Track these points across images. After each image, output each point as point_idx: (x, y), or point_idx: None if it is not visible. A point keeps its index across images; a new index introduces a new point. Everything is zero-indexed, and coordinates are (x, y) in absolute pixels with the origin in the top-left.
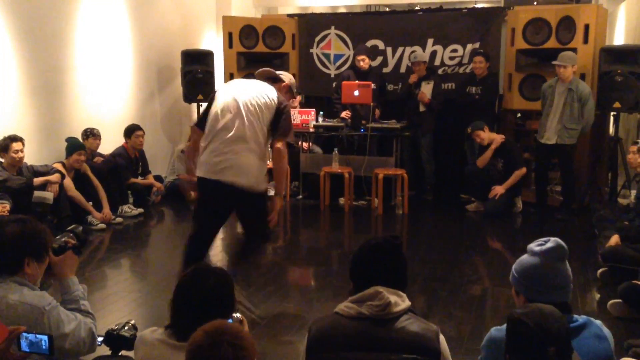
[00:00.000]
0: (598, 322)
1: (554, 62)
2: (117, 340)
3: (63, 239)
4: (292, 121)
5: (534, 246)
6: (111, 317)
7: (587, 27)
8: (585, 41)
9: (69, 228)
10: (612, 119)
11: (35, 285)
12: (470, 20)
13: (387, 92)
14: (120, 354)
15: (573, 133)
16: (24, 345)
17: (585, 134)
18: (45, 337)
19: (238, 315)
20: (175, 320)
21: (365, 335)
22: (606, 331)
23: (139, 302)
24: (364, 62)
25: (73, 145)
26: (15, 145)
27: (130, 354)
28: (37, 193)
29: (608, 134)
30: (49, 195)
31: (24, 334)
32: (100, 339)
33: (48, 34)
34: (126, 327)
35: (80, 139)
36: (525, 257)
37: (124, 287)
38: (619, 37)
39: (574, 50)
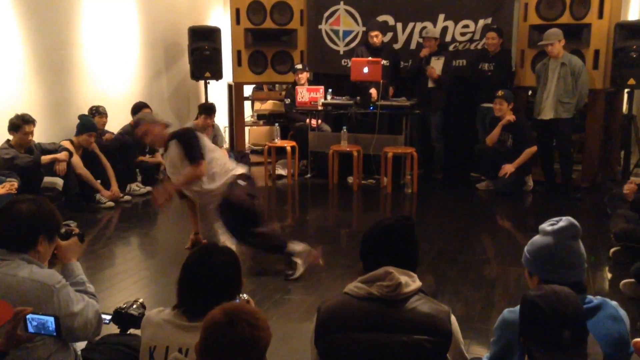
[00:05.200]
0: (614, 302)
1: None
2: (125, 319)
3: (68, 227)
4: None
5: (546, 226)
6: (119, 295)
7: (602, 1)
8: (600, 16)
9: (64, 222)
10: (626, 96)
11: (43, 265)
12: None
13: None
14: (128, 332)
15: (568, 107)
16: (30, 327)
17: (579, 108)
18: (51, 318)
19: (245, 296)
20: (182, 299)
21: (375, 316)
22: (622, 312)
23: (147, 280)
24: (377, 37)
25: (85, 125)
26: (28, 128)
27: (138, 332)
28: (47, 179)
29: (621, 111)
30: (59, 181)
31: (30, 315)
32: (108, 317)
33: (54, 12)
34: (134, 306)
35: None
36: (537, 238)
37: (133, 265)
38: (634, 12)
39: (589, 25)
